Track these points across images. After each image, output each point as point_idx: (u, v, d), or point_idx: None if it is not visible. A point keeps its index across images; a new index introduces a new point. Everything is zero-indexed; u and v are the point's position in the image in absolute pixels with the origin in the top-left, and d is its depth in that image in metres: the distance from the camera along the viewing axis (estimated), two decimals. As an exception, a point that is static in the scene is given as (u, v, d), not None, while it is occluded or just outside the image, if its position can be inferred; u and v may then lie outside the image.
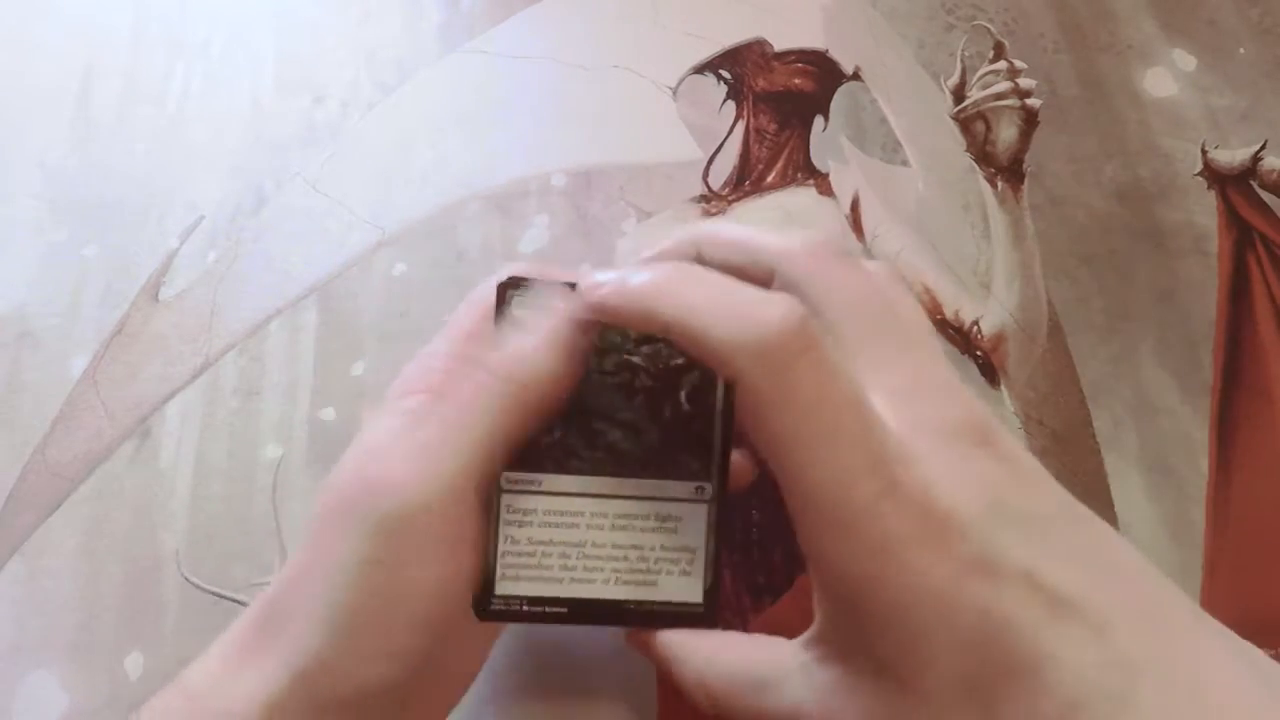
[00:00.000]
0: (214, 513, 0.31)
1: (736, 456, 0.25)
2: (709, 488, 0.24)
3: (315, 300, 0.35)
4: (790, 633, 0.22)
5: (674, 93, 0.40)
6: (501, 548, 0.23)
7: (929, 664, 0.18)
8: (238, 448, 0.32)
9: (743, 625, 0.31)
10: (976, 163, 0.40)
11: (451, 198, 0.37)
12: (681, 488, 0.24)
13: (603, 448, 0.24)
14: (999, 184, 0.39)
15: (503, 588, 0.23)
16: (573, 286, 0.23)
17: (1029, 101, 0.41)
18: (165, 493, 0.31)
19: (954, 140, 0.40)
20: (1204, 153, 0.40)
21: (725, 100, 0.40)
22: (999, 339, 0.36)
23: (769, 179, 0.39)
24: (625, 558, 0.24)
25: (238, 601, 0.30)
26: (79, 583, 0.30)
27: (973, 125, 0.41)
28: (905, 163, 0.40)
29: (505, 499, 0.23)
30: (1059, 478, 0.20)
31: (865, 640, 0.19)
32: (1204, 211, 0.39)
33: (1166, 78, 0.42)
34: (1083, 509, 0.20)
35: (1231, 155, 0.40)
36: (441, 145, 0.38)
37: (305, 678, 0.20)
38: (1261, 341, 0.36)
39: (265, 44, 0.40)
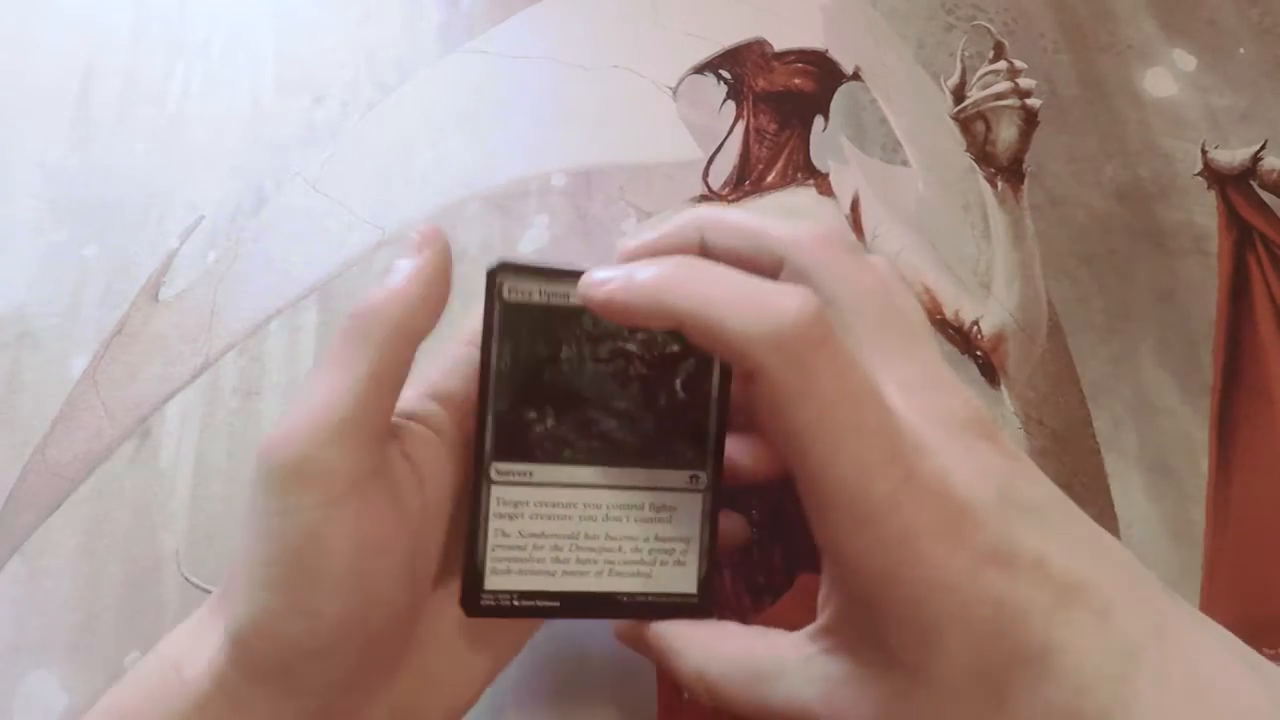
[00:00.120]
0: (214, 513, 0.31)
1: (736, 524, 0.24)
2: (704, 476, 0.24)
3: (315, 300, 0.35)
4: (791, 631, 0.22)
5: (674, 93, 0.40)
6: (491, 542, 0.23)
7: (942, 655, 0.18)
8: (238, 448, 0.32)
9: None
10: (976, 163, 0.40)
11: (451, 198, 0.37)
12: (676, 477, 0.24)
13: (597, 436, 0.23)
14: (999, 184, 0.39)
15: (492, 582, 0.23)
16: (560, 271, 0.23)
17: (1029, 101, 0.41)
18: (165, 493, 0.31)
19: (954, 140, 0.40)
20: (1204, 153, 0.40)
21: (725, 100, 0.40)
22: (999, 339, 0.36)
23: (769, 179, 0.39)
24: (619, 549, 0.24)
25: (238, 601, 0.30)
26: (79, 583, 0.30)
27: (973, 125, 0.41)
28: (905, 163, 0.40)
29: (495, 491, 0.23)
30: (1059, 478, 0.20)
31: (877, 633, 0.19)
32: (1204, 211, 0.39)
33: (1166, 78, 0.42)
34: (1067, 499, 0.20)
35: (1231, 155, 0.40)
36: (441, 145, 0.38)
37: (241, 641, 0.20)
38: (1261, 341, 0.37)
39: (265, 44, 0.40)
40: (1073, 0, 0.44)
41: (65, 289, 0.34)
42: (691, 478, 0.24)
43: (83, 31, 0.39)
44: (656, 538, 0.24)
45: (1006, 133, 0.40)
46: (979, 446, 0.20)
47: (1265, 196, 0.39)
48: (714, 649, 0.22)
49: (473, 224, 0.36)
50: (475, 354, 0.23)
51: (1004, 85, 0.41)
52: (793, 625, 0.22)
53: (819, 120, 0.40)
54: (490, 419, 0.23)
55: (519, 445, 0.23)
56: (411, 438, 0.23)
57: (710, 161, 0.39)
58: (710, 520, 0.24)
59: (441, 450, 0.23)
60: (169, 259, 0.35)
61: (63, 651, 0.29)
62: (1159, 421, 0.35)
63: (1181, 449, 0.34)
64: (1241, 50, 0.43)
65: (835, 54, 0.41)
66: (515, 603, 0.23)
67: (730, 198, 0.38)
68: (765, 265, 0.22)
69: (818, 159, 0.39)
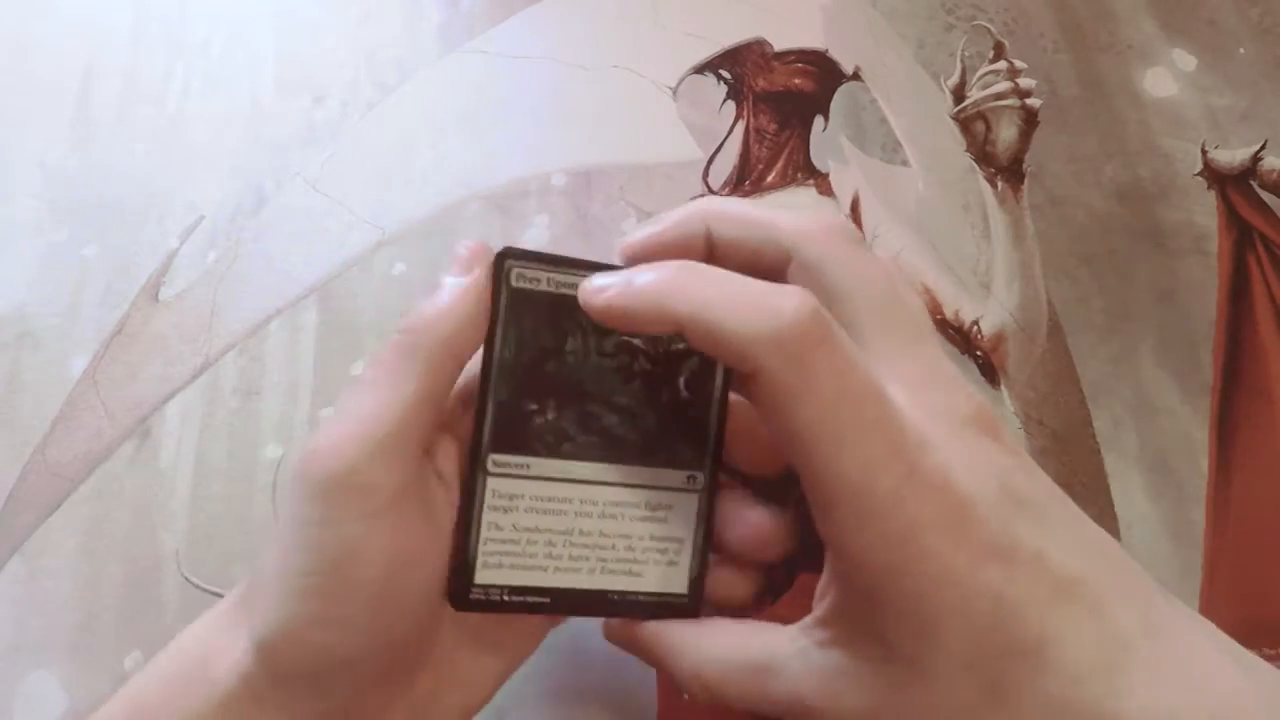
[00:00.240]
0: (214, 513, 0.31)
1: (777, 524, 0.24)
2: (701, 477, 0.24)
3: (315, 300, 0.35)
4: None
5: (674, 93, 0.40)
6: (484, 534, 0.23)
7: (940, 648, 0.18)
8: (238, 448, 0.32)
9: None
10: (976, 163, 0.40)
11: (451, 198, 0.37)
12: (673, 476, 0.24)
13: (596, 432, 0.23)
14: (999, 184, 0.39)
15: (483, 576, 0.23)
16: (570, 261, 0.23)
17: (1029, 101, 0.41)
18: (165, 493, 0.31)
19: (954, 140, 0.40)
20: (1204, 153, 0.40)
21: (725, 100, 0.40)
22: (999, 339, 0.36)
23: (769, 179, 0.39)
24: (613, 546, 0.23)
25: (238, 601, 0.30)
26: (79, 583, 0.30)
27: (973, 125, 0.41)
28: (905, 163, 0.40)
29: (491, 483, 0.23)
30: (1059, 478, 0.21)
31: (875, 625, 0.19)
32: (1204, 211, 0.39)
33: (1166, 78, 0.42)
34: (1065, 495, 0.20)
35: (1231, 155, 0.40)
36: (441, 145, 0.38)
37: (270, 648, 0.21)
38: (1261, 341, 0.37)
39: (265, 44, 0.40)
40: (1073, 0, 0.44)
41: (65, 289, 0.34)
42: (689, 478, 0.24)
43: (83, 31, 0.39)
44: (651, 536, 0.24)
45: (1006, 133, 0.40)
46: (981, 442, 0.20)
47: (1265, 196, 0.39)
48: (709, 646, 0.22)
49: (473, 224, 0.36)
50: None
51: (1004, 85, 0.41)
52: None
53: (819, 120, 0.40)
54: (490, 409, 0.23)
55: (518, 437, 0.23)
56: (443, 450, 0.23)
57: (710, 161, 0.39)
58: (705, 521, 0.24)
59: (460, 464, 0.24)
60: (169, 259, 0.35)
61: (63, 651, 0.29)
62: (1159, 421, 0.35)
63: (1181, 449, 0.34)
64: (1241, 50, 0.43)
65: (835, 54, 0.41)
66: (505, 598, 0.23)
67: (730, 198, 0.38)
68: (772, 257, 0.22)
69: (818, 159, 0.39)
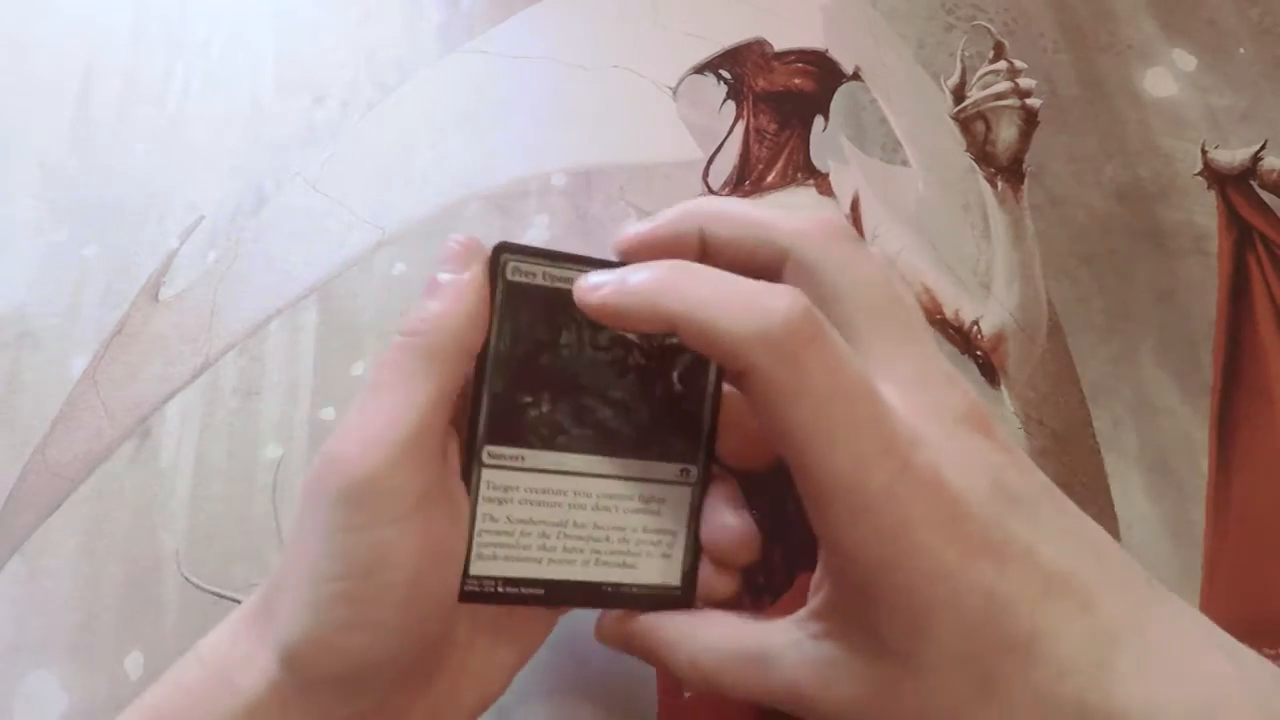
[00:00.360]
0: (214, 513, 0.31)
1: (748, 532, 0.24)
2: (694, 470, 0.24)
3: (315, 300, 0.35)
4: None
5: (674, 93, 0.40)
6: (479, 526, 0.23)
7: (932, 642, 0.19)
8: (238, 448, 0.32)
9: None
10: (976, 163, 0.40)
11: (451, 198, 0.37)
12: (667, 469, 0.24)
13: (591, 425, 0.23)
14: (999, 184, 0.39)
15: (478, 568, 0.23)
16: (565, 255, 0.23)
17: (1029, 101, 0.41)
18: (165, 493, 0.31)
19: (954, 140, 0.40)
20: (1204, 153, 0.40)
21: (725, 100, 0.40)
22: (999, 339, 0.36)
23: (769, 179, 0.39)
24: (606, 539, 0.24)
25: (237, 601, 0.30)
26: (79, 583, 0.30)
27: (973, 125, 0.41)
28: (905, 163, 0.40)
29: (486, 475, 0.23)
30: (1058, 478, 0.21)
31: (869, 620, 0.20)
32: (1204, 211, 0.39)
33: (1166, 78, 0.42)
34: (1059, 491, 0.21)
35: (1231, 155, 0.40)
36: (441, 145, 0.38)
37: (296, 654, 0.21)
38: (1261, 341, 0.37)
39: (265, 44, 0.40)
40: (1073, 0, 0.44)
41: (65, 289, 0.34)
42: (682, 471, 0.24)
43: (83, 31, 0.39)
44: (644, 529, 0.24)
45: (1006, 133, 0.40)
46: (974, 440, 0.20)
47: (1265, 196, 0.39)
48: (705, 637, 0.22)
49: (473, 224, 0.36)
50: None
51: (1004, 85, 0.41)
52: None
53: (819, 120, 0.40)
54: (485, 401, 0.23)
55: (513, 429, 0.23)
56: (454, 446, 0.23)
57: (710, 161, 0.39)
58: (697, 514, 0.24)
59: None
60: (169, 259, 0.35)
61: (63, 651, 0.29)
62: (1159, 421, 0.35)
63: (1181, 449, 0.34)
64: (1241, 50, 0.43)
65: (835, 54, 0.41)
66: (500, 589, 0.23)
67: (730, 198, 0.38)
68: (767, 257, 0.22)
69: (818, 159, 0.39)
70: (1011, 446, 0.21)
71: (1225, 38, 0.43)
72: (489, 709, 0.24)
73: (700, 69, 0.41)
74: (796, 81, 0.41)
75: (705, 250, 0.23)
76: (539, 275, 0.23)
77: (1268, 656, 0.20)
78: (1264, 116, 0.41)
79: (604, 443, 0.23)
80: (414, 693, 0.23)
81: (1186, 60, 0.42)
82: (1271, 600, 0.32)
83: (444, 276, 0.22)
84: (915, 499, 0.19)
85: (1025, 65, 0.42)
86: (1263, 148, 0.40)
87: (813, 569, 0.22)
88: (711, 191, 0.38)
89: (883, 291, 0.21)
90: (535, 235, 0.37)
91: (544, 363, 0.23)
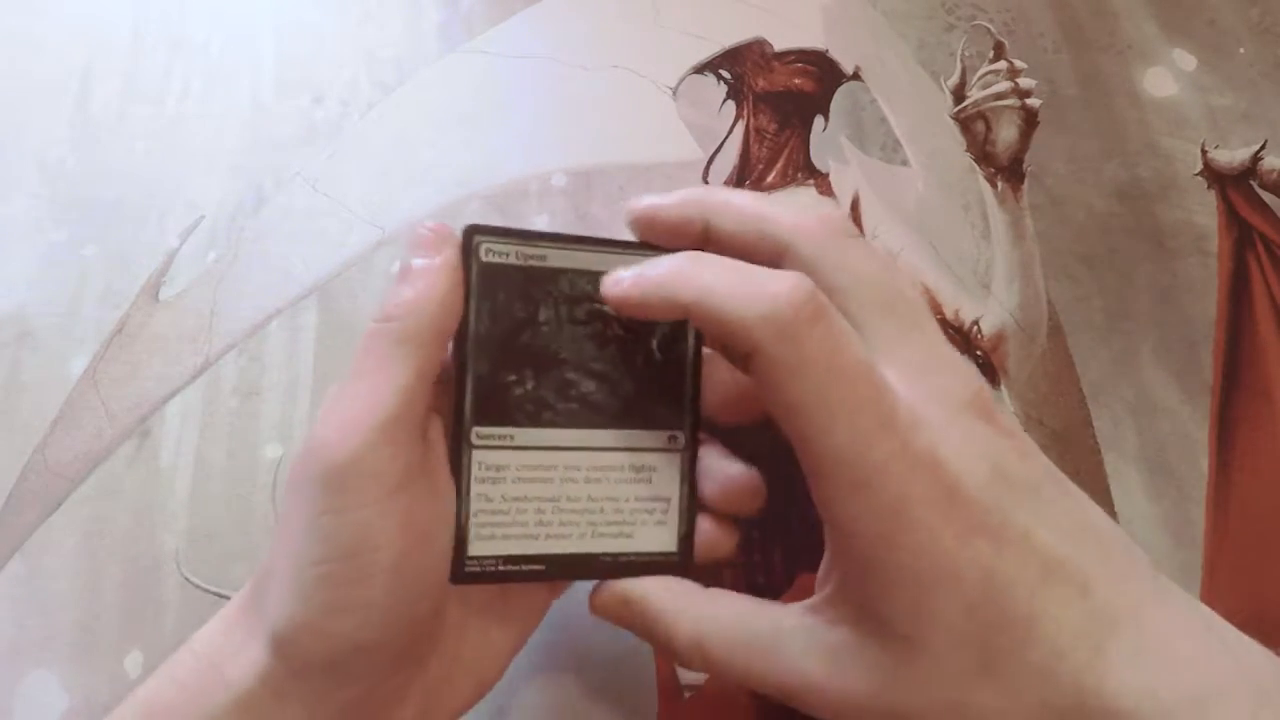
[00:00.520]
0: (214, 513, 0.31)
1: (751, 479, 0.24)
2: (681, 436, 0.24)
3: (315, 300, 0.35)
4: None
5: (674, 93, 0.40)
6: (474, 506, 0.23)
7: (933, 621, 0.19)
8: (238, 448, 0.32)
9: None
10: (976, 163, 0.40)
11: (451, 197, 0.37)
12: (654, 437, 0.24)
13: (576, 399, 0.24)
14: (999, 184, 0.39)
15: (476, 548, 0.23)
16: (537, 234, 0.23)
17: (1029, 101, 0.41)
18: (165, 493, 0.31)
19: (954, 140, 0.40)
20: (1204, 153, 0.40)
21: (725, 100, 0.40)
22: (999, 339, 0.36)
23: (769, 179, 0.39)
24: (601, 510, 0.24)
25: (238, 601, 0.30)
26: (79, 582, 0.30)
27: (973, 125, 0.41)
28: (905, 163, 0.40)
29: (477, 455, 0.23)
30: (1059, 478, 0.21)
31: (874, 600, 0.20)
32: (1204, 211, 0.39)
33: (1166, 78, 0.42)
34: (1063, 476, 0.21)
35: (1231, 155, 0.40)
36: (441, 145, 0.38)
37: (289, 640, 0.21)
38: (1261, 341, 0.37)
39: (265, 44, 0.40)
40: (1073, 0, 0.44)
41: (65, 289, 0.34)
42: (670, 438, 0.24)
43: (83, 31, 0.39)
44: (637, 498, 0.24)
45: (1006, 133, 0.40)
46: (976, 425, 0.20)
47: (1265, 196, 0.39)
48: (710, 616, 0.22)
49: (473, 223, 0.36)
50: None
51: (1004, 85, 0.41)
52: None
53: (819, 120, 0.40)
54: (470, 382, 0.23)
55: (499, 409, 0.23)
56: (435, 429, 0.23)
57: (710, 161, 0.39)
58: (689, 479, 0.24)
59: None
60: (169, 259, 0.35)
61: (63, 651, 0.29)
62: (1159, 421, 0.35)
63: (1181, 449, 0.35)
64: (1241, 50, 0.43)
65: (835, 54, 0.41)
66: (500, 567, 0.23)
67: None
68: (768, 252, 0.22)
69: (818, 159, 0.39)
70: (1015, 432, 0.21)
71: (1225, 38, 0.43)
72: (485, 697, 0.24)
73: (700, 69, 0.41)
74: (796, 81, 0.41)
75: (708, 239, 0.23)
76: (512, 254, 0.23)
77: (1268, 656, 0.20)
78: (1264, 116, 0.41)
79: (590, 415, 0.24)
80: (407, 678, 0.23)
81: (1186, 60, 0.42)
82: (1271, 600, 0.32)
83: (416, 262, 0.23)
84: (913, 477, 0.19)
85: (1025, 65, 0.42)
86: (1263, 148, 0.40)
87: (813, 569, 0.22)
88: (711, 191, 0.38)
89: (882, 284, 0.21)
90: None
91: (524, 341, 0.23)
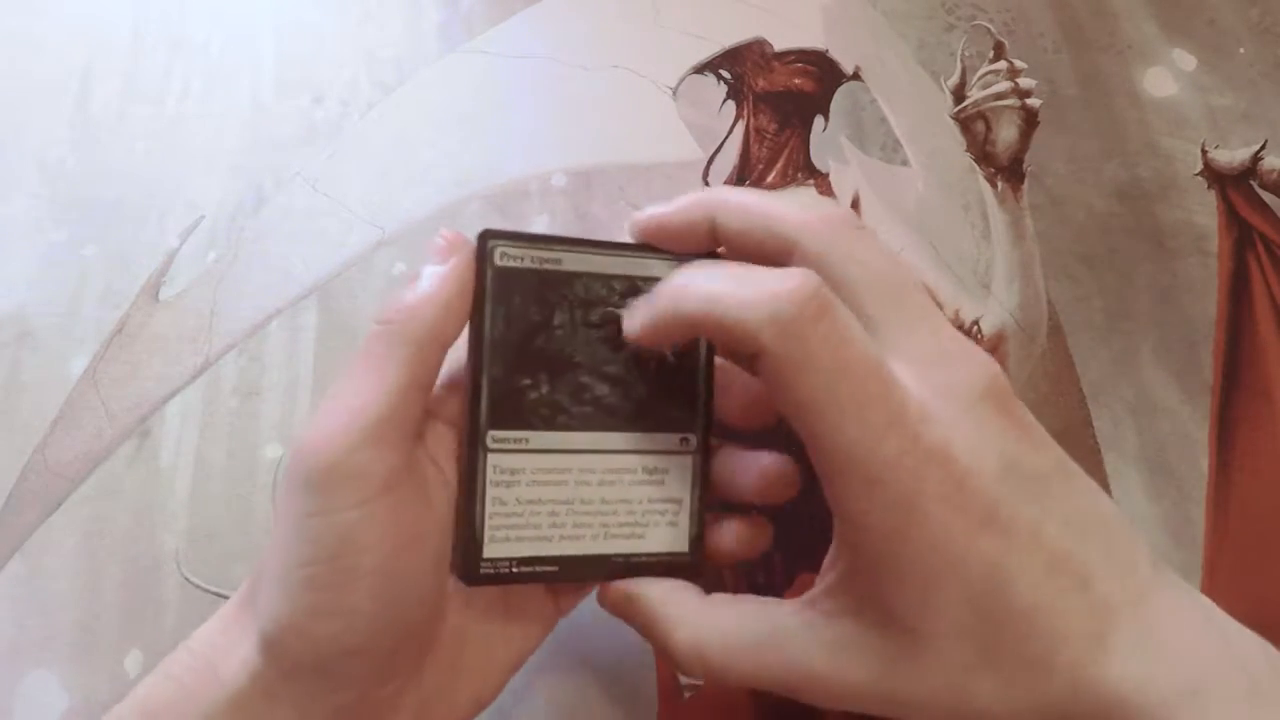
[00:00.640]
0: (214, 513, 0.31)
1: (784, 464, 0.25)
2: (694, 438, 0.24)
3: (315, 300, 0.35)
4: None
5: (674, 93, 0.40)
6: (489, 509, 0.23)
7: (938, 613, 0.19)
8: (238, 448, 0.32)
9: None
10: (976, 163, 0.40)
11: (451, 198, 0.37)
12: (667, 439, 0.24)
13: (590, 402, 0.24)
14: (999, 184, 0.39)
15: (492, 550, 0.23)
16: (552, 238, 0.23)
17: (1029, 101, 0.41)
18: (165, 493, 0.31)
19: (954, 140, 0.40)
20: (1204, 153, 0.40)
21: (725, 100, 0.40)
22: (999, 339, 0.36)
23: (769, 179, 0.39)
24: (614, 512, 0.24)
25: (238, 601, 0.30)
26: (79, 583, 0.30)
27: (973, 125, 0.41)
28: (905, 163, 0.40)
29: (492, 459, 0.23)
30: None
31: (879, 593, 0.20)
32: (1204, 211, 0.39)
33: (1166, 78, 0.42)
34: (1074, 466, 0.21)
35: (1231, 155, 0.40)
36: (441, 145, 0.38)
37: (276, 642, 0.21)
38: (1261, 341, 0.37)
39: (265, 44, 0.40)
40: (1073, 0, 0.44)
41: (65, 289, 0.34)
42: (682, 440, 0.24)
43: (83, 31, 0.39)
44: (649, 499, 0.24)
45: (1006, 133, 0.40)
46: (988, 418, 0.20)
47: (1265, 196, 0.39)
48: (710, 620, 0.22)
49: (473, 224, 0.36)
50: None
51: (1004, 85, 0.41)
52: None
53: (819, 120, 0.40)
54: (485, 386, 0.23)
55: (514, 412, 0.23)
56: (434, 435, 0.24)
57: (710, 161, 0.39)
58: (700, 481, 0.25)
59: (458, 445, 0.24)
60: (169, 259, 0.35)
61: (63, 651, 0.29)
62: (1159, 421, 0.35)
63: (1181, 449, 0.35)
64: (1241, 50, 0.43)
65: (835, 54, 0.41)
66: (514, 569, 0.23)
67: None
68: (774, 249, 0.22)
69: (818, 159, 0.39)
70: (1028, 423, 0.21)
71: (1225, 38, 0.43)
72: (485, 710, 0.24)
73: (700, 69, 0.41)
74: (797, 81, 0.41)
75: (716, 239, 0.23)
76: (527, 259, 0.23)
77: (1268, 656, 0.20)
78: (1264, 116, 0.41)
79: (604, 418, 0.24)
80: (400, 686, 0.23)
81: (1186, 60, 0.42)
82: (1271, 600, 0.32)
83: (426, 269, 0.23)
84: (924, 472, 0.19)
85: (1025, 65, 0.42)
86: (1263, 148, 0.40)
87: (813, 569, 0.22)
88: (711, 191, 0.38)
89: (890, 277, 0.21)
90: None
91: (539, 344, 0.23)
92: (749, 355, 0.20)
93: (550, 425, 0.23)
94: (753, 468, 0.24)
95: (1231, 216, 0.39)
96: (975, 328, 0.36)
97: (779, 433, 0.24)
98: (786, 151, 0.39)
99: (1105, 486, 0.34)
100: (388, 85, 0.39)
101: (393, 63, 0.40)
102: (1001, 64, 0.42)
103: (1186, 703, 0.18)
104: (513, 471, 0.23)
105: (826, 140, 0.40)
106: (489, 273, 0.23)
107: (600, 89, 0.40)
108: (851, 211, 0.23)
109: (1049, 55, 0.42)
